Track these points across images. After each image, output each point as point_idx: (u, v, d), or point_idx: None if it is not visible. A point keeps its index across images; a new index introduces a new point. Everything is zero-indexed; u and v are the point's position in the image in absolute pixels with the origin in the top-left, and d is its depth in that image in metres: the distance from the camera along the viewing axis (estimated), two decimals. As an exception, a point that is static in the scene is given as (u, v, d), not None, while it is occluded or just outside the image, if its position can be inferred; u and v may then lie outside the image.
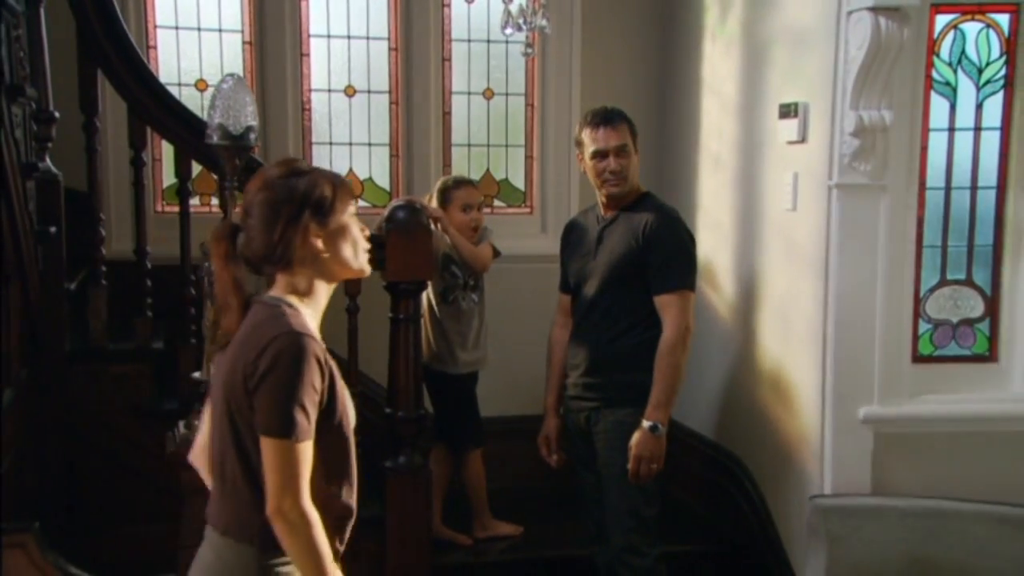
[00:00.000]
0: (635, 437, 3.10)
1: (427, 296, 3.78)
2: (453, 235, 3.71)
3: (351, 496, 1.97)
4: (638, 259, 3.17)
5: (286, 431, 1.79)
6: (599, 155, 3.22)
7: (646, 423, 3.09)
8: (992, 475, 3.37)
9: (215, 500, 1.96)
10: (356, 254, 1.97)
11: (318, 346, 1.85)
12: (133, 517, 3.39)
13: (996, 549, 3.26)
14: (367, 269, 2.02)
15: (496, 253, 3.88)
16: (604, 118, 3.23)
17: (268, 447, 1.80)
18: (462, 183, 3.84)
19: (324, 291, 1.97)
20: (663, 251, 3.18)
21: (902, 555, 3.28)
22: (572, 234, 3.45)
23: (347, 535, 1.99)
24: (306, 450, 1.81)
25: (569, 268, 3.43)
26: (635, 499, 3.17)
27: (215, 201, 4.28)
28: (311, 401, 1.81)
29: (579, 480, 3.40)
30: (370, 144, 4.62)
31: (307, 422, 1.80)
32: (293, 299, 1.92)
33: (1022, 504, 3.32)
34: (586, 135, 3.26)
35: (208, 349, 2.78)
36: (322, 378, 1.84)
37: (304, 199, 1.88)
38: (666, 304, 3.16)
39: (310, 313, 1.93)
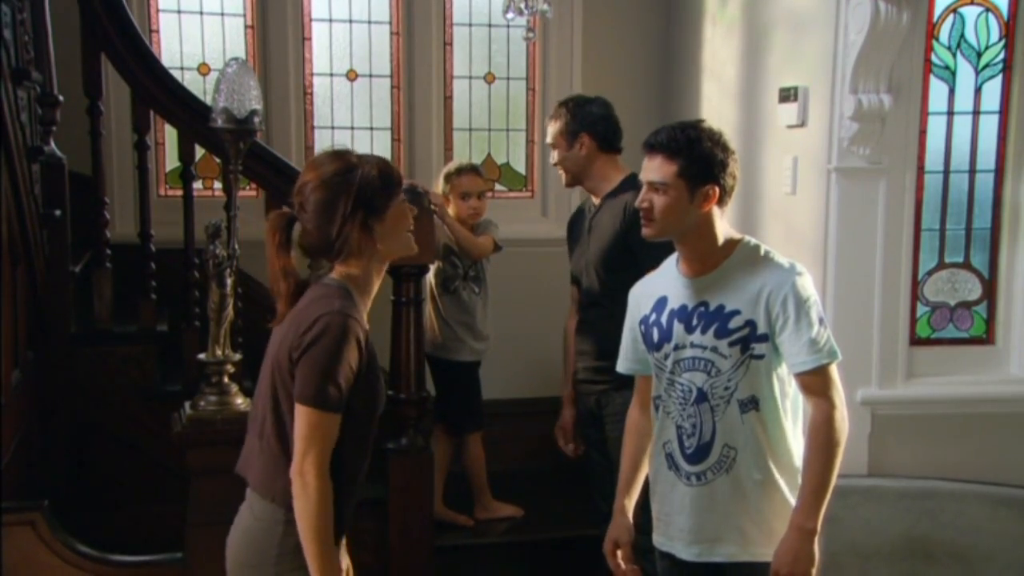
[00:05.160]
0: None
1: (431, 286, 3.80)
2: (449, 222, 3.70)
3: (362, 472, 2.12)
4: (624, 241, 3.12)
5: (319, 401, 1.95)
6: None
7: None
8: (988, 456, 3.41)
9: (252, 456, 2.12)
10: (405, 238, 2.12)
11: (361, 329, 2.01)
12: (140, 497, 3.42)
13: (992, 529, 3.31)
14: (414, 247, 2.16)
15: (497, 247, 3.82)
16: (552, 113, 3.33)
17: (300, 413, 1.97)
18: (464, 170, 3.83)
19: (376, 277, 2.12)
20: None
21: (899, 535, 3.32)
22: (574, 226, 3.47)
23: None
24: (333, 421, 1.97)
25: (572, 260, 3.45)
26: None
27: (218, 185, 4.30)
28: (345, 378, 1.97)
29: (590, 462, 3.42)
30: (372, 128, 4.62)
31: (338, 396, 1.97)
32: (348, 284, 2.06)
33: (1018, 485, 3.35)
34: None
35: (213, 331, 2.81)
36: (360, 359, 1.99)
37: (358, 198, 2.00)
38: None
39: (362, 297, 2.08)
